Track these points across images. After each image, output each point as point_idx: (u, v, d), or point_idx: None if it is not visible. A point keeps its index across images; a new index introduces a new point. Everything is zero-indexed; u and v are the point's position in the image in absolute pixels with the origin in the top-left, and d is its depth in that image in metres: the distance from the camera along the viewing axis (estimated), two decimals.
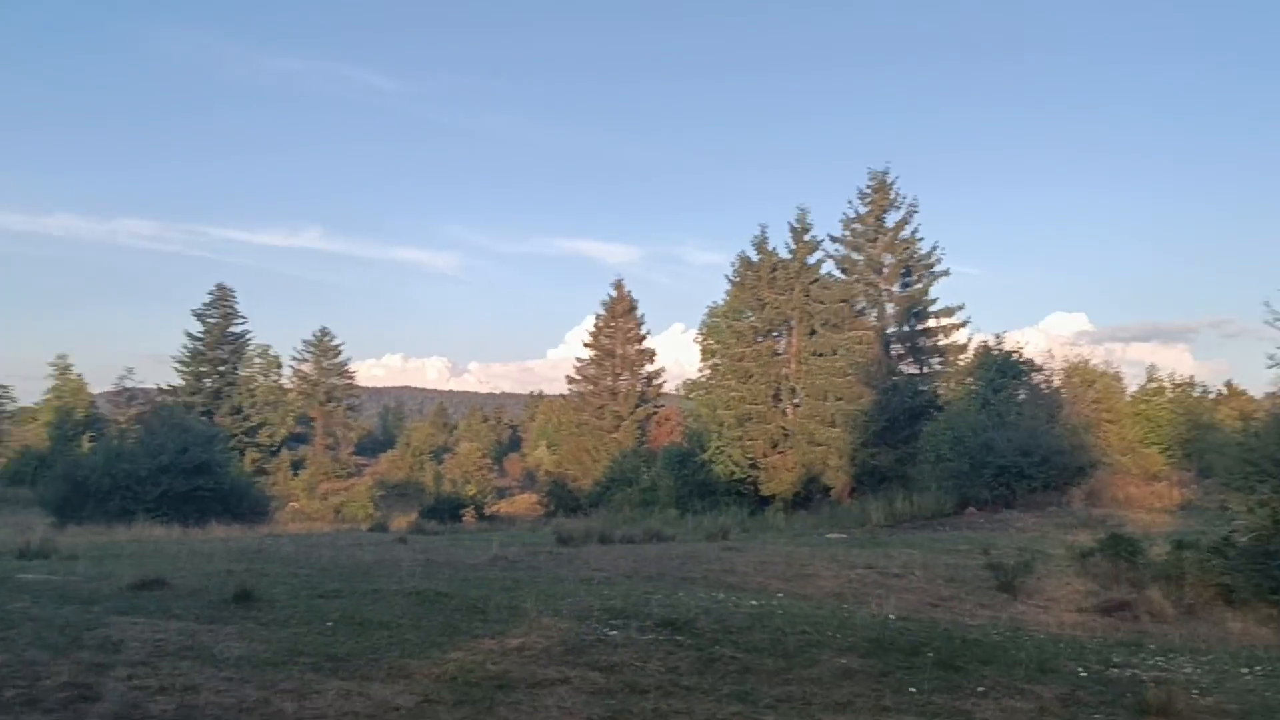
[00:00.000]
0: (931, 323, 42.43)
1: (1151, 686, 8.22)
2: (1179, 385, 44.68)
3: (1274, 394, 19.64)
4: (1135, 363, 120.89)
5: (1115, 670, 9.29)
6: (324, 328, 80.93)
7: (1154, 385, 44.56)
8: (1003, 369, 36.30)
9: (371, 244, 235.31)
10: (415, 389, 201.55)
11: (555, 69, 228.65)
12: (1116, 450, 36.23)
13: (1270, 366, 16.23)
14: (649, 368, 57.40)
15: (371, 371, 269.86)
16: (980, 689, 8.26)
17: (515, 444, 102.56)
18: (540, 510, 52.34)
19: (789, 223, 45.21)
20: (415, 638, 9.23)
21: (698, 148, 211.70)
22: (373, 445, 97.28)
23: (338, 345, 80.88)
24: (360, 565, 15.39)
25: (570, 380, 57.60)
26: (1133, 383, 45.25)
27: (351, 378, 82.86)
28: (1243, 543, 15.31)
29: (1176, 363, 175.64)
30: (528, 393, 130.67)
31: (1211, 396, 47.84)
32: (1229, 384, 52.06)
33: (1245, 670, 9.73)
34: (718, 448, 42.48)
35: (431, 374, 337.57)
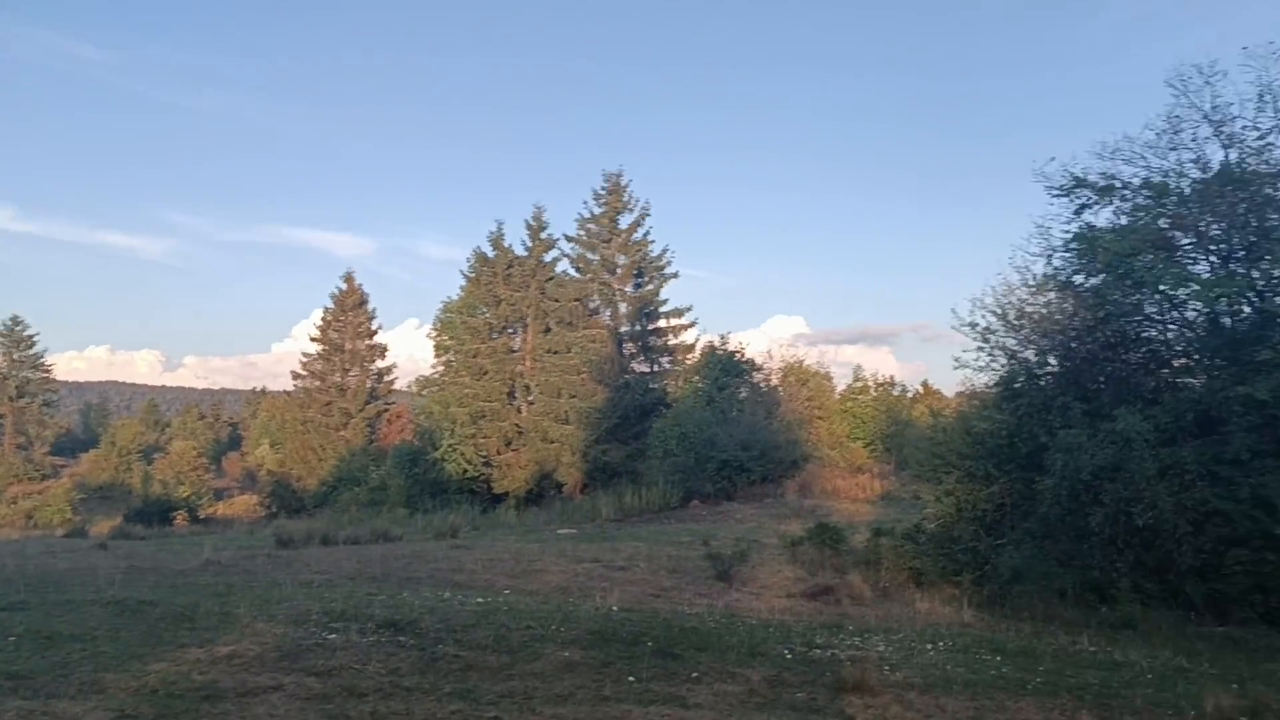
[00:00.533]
0: (662, 323, 43.78)
1: (848, 665, 8.85)
2: (881, 385, 48.22)
3: (962, 393, 21.54)
4: (846, 363, 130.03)
5: (818, 651, 9.93)
6: (15, 316, 73.76)
7: (860, 385, 47.86)
8: (726, 368, 38.01)
9: (74, 226, 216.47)
10: (123, 384, 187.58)
11: (283, 47, 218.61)
12: (826, 445, 38.71)
13: (956, 368, 17.83)
14: (380, 363, 56.06)
15: (72, 365, 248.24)
16: (695, 674, 8.62)
17: (235, 442, 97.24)
18: (261, 512, 49.89)
19: (525, 220, 45.42)
20: (112, 650, 8.58)
21: (436, 140, 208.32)
22: (72, 445, 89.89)
23: (31, 336, 73.92)
24: (51, 574, 14.14)
25: (296, 376, 55.25)
26: (842, 382, 48.47)
27: (48, 371, 76.02)
28: (931, 529, 16.78)
29: (881, 364, 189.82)
30: (250, 388, 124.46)
31: (910, 395, 51.91)
32: (925, 384, 56.64)
33: (930, 646, 10.64)
34: (450, 446, 41.99)
35: (142, 368, 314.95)
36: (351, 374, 54.68)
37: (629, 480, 34.94)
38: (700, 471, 32.31)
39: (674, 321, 43.71)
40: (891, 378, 49.70)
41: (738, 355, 38.91)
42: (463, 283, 45.27)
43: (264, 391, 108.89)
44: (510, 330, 44.69)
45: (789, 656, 9.57)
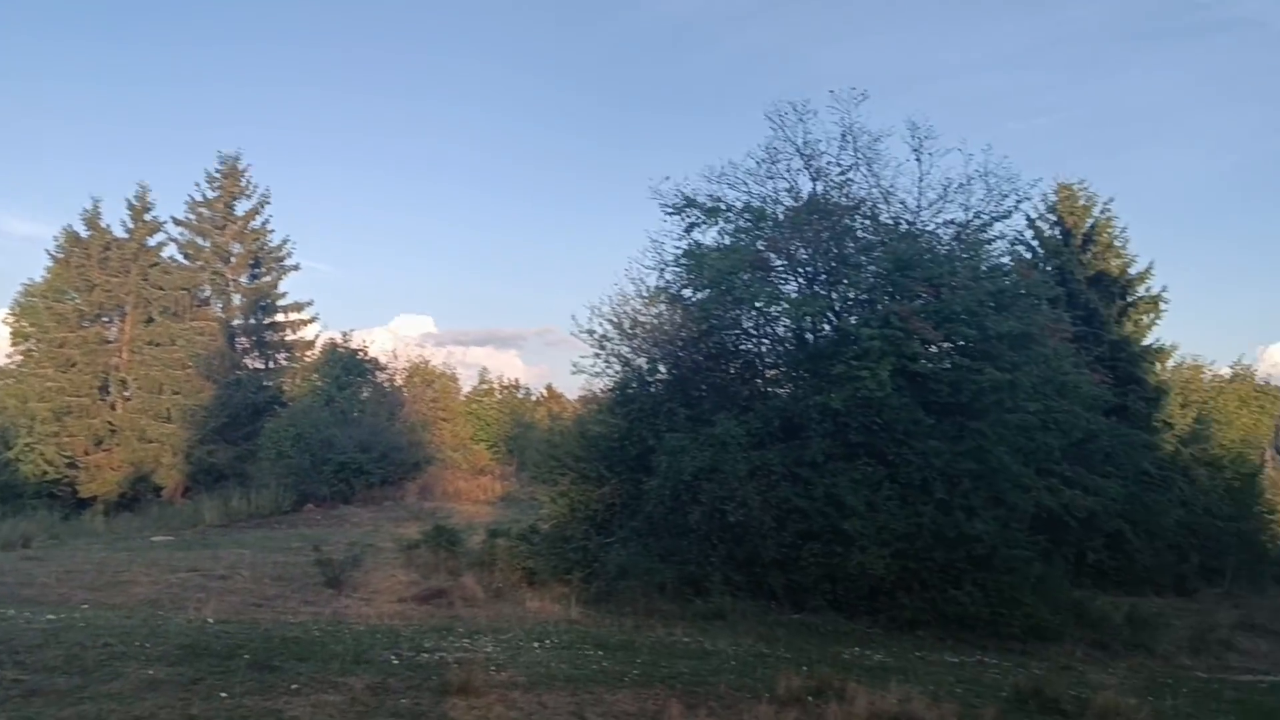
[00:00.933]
0: (280, 317, 41.61)
1: (454, 667, 8.82)
2: (506, 387, 48.96)
3: (582, 397, 22.28)
4: (474, 365, 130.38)
5: (426, 655, 9.82)
6: None
7: (485, 387, 48.28)
8: (348, 367, 36.82)
9: None
10: None
11: None
12: (450, 447, 38.54)
13: (575, 373, 18.45)
14: None
15: None
16: (294, 686, 8.21)
17: None
18: None
19: (128, 199, 41.32)
20: None
21: (26, 110, 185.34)
22: None
23: None
24: None
25: None
26: (468, 384, 48.59)
27: None
28: (545, 530, 17.19)
29: (509, 366, 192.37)
30: None
31: (534, 398, 53.01)
32: (549, 387, 58.00)
33: (537, 644, 10.87)
34: (27, 445, 37.37)
35: None
36: None
37: (237, 483, 32.84)
38: (316, 474, 31.02)
39: (293, 316, 41.71)
40: (517, 380, 50.62)
41: (360, 354, 37.81)
42: (49, 264, 40.47)
43: None
44: (105, 319, 40.48)
45: (395, 662, 9.38)
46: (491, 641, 10.86)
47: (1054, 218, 31.93)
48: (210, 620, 11.28)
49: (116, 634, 9.89)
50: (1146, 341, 31.92)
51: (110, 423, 39.02)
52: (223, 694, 7.84)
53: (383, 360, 39.23)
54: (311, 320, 41.78)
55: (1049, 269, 29.77)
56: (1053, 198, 31.92)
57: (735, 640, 12.27)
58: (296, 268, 41.80)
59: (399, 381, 40.00)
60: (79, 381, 38.61)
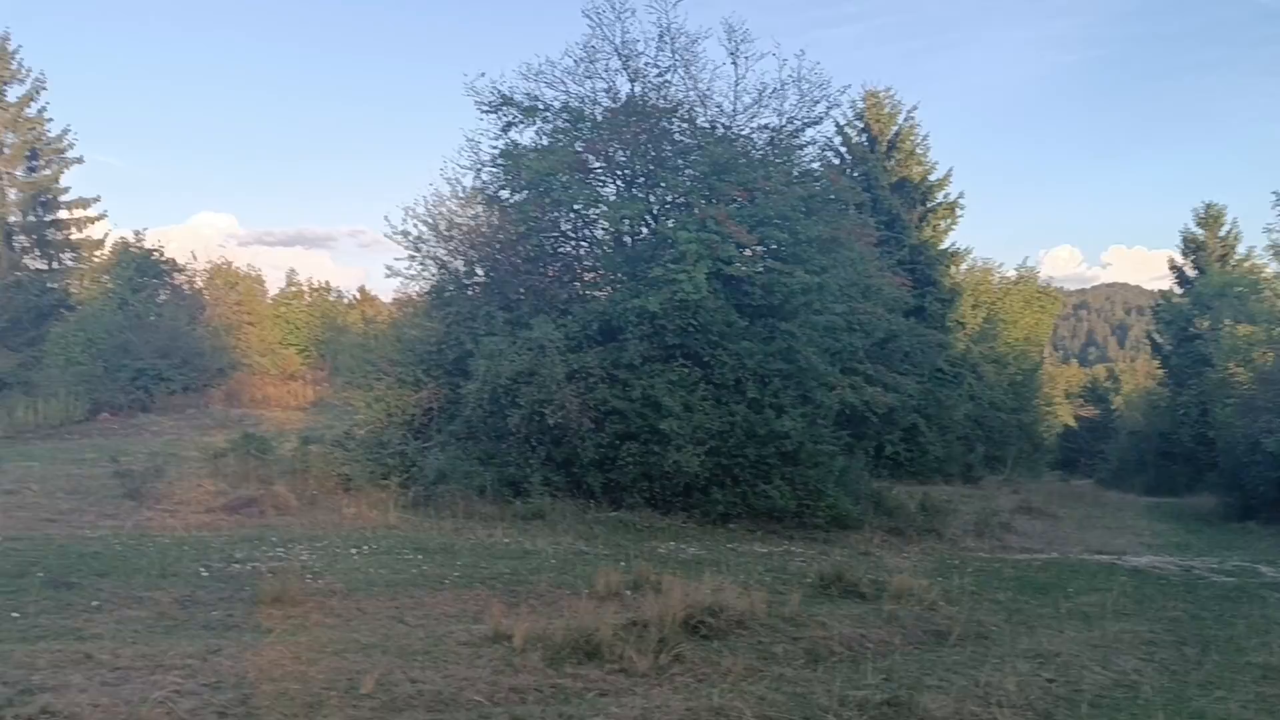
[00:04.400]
0: (63, 214, 38.56)
1: (268, 577, 8.63)
2: (316, 290, 47.23)
3: (398, 300, 21.77)
4: (281, 267, 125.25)
5: (238, 565, 9.56)
6: None
7: (294, 289, 46.46)
8: (143, 268, 34.65)
9: None
10: None
11: None
12: (257, 351, 37.09)
13: (389, 276, 17.98)
14: None
15: None
16: (95, 603, 7.87)
17: None
18: None
19: None
20: None
21: None
22: None
23: None
24: None
25: None
26: (275, 286, 46.63)
27: None
28: (360, 435, 16.87)
29: (319, 269, 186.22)
30: None
31: (346, 301, 51.41)
32: (363, 290, 56.16)
33: (355, 550, 10.74)
34: None
35: None
36: None
37: (22, 392, 30.70)
38: (111, 382, 29.35)
39: (78, 213, 38.72)
40: (328, 283, 48.84)
41: (156, 254, 35.60)
42: None
43: None
44: None
45: (205, 574, 9.10)
46: (307, 549, 10.66)
47: (861, 124, 32.97)
48: None
49: None
50: (943, 246, 33.68)
51: None
52: (15, 614, 7.42)
53: (181, 261, 37.11)
54: (100, 218, 38.91)
55: (856, 175, 30.87)
56: (861, 105, 32.89)
57: (555, 539, 12.47)
58: (80, 160, 38.65)
59: (200, 284, 37.97)
60: None
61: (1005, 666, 7.21)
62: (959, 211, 33.79)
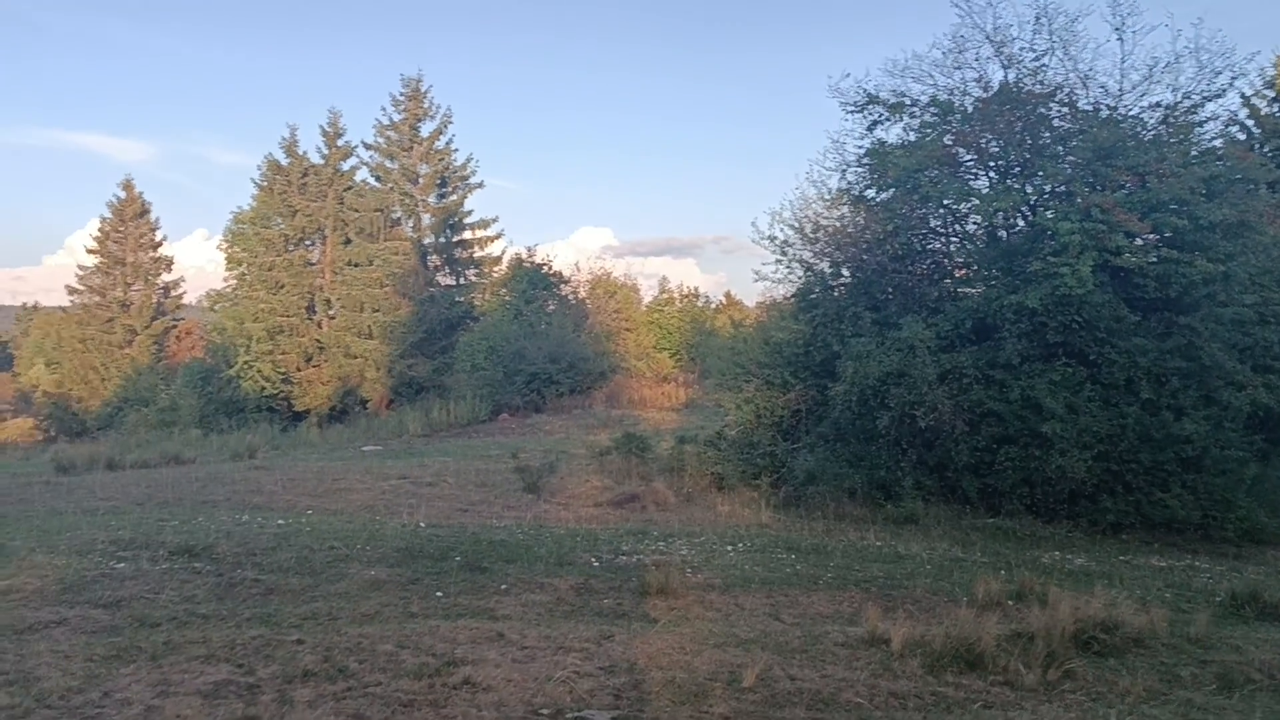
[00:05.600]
0: (467, 234, 43.04)
1: (652, 569, 9.12)
2: (686, 296, 49.13)
3: (762, 304, 22.23)
4: (652, 275, 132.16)
5: (624, 558, 10.20)
6: None
7: (665, 296, 48.62)
8: (534, 281, 37.84)
9: None
10: None
11: None
12: (633, 356, 39.28)
13: (756, 280, 18.41)
14: (166, 277, 52.67)
15: None
16: (504, 587, 8.69)
17: (6, 362, 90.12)
18: (39, 436, 46.63)
19: (320, 126, 43.30)
20: None
21: (223, 36, 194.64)
22: None
23: None
24: None
25: (72, 291, 51.31)
26: (648, 294, 49.09)
27: None
28: (732, 436, 17.38)
29: (686, 275, 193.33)
30: (20, 304, 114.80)
31: (713, 306, 53.10)
32: (728, 294, 57.95)
33: (730, 547, 11.10)
34: (246, 363, 40.29)
35: None
36: (135, 288, 51.26)
37: (436, 395, 34.55)
38: (509, 385, 32.27)
39: (480, 233, 43.04)
40: (696, 289, 50.71)
41: (545, 268, 38.76)
42: (254, 192, 42.97)
43: (36, 307, 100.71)
44: (308, 242, 42.86)
45: (596, 564, 9.78)
46: (686, 544, 11.15)
47: (1273, 94, 29.29)
48: (422, 524, 12.01)
49: (340, 538, 10.68)
50: None
51: (318, 340, 41.52)
52: (439, 593, 8.39)
53: (566, 273, 40.16)
54: (498, 237, 43.05)
55: (1267, 151, 27.43)
56: (1271, 72, 29.25)
57: (929, 545, 12.18)
58: (481, 185, 43.02)
59: (583, 294, 40.85)
60: (288, 302, 41.15)
61: None
62: None
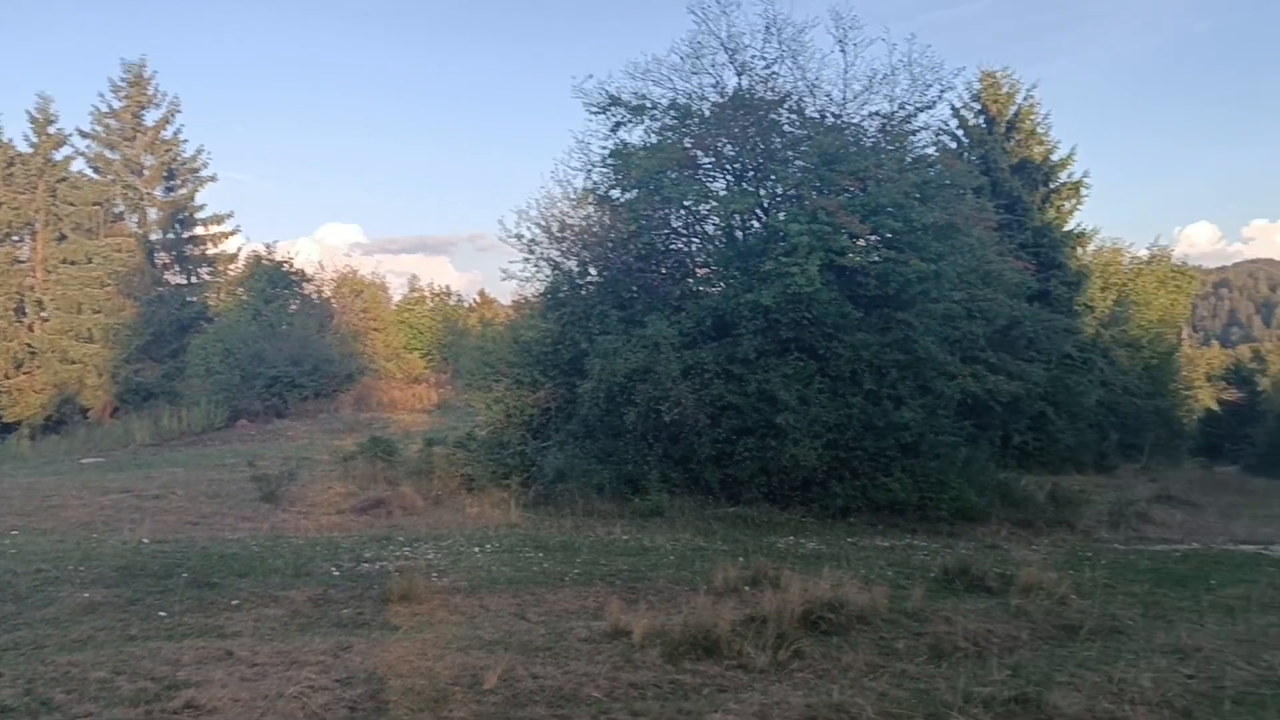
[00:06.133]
0: (199, 230, 40.51)
1: (395, 576, 8.89)
2: (438, 295, 48.37)
3: (515, 303, 22.17)
4: (403, 273, 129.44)
5: (366, 565, 9.89)
6: None
7: (416, 295, 47.68)
8: (274, 279, 36.12)
9: None
10: None
11: None
12: (382, 357, 38.25)
13: (504, 279, 18.34)
14: None
15: None
16: (235, 602, 8.23)
17: None
18: None
19: (27, 111, 39.58)
20: None
21: None
22: None
23: None
24: None
25: None
26: (398, 292, 47.97)
27: None
28: (481, 436, 17.25)
29: (439, 274, 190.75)
30: None
31: (467, 305, 52.53)
32: (482, 293, 57.30)
33: (478, 549, 10.99)
34: None
35: None
36: None
37: (167, 402, 32.36)
38: (247, 389, 30.69)
39: (214, 229, 40.63)
40: (448, 287, 50.02)
41: (286, 265, 37.05)
42: None
43: None
44: (15, 238, 39.08)
45: (336, 574, 9.44)
46: (432, 548, 10.96)
47: (978, 106, 32.08)
48: (146, 540, 11.20)
49: (49, 559, 9.79)
50: (1068, 227, 32.55)
51: (29, 345, 38.00)
52: (162, 613, 7.83)
53: (310, 271, 38.57)
54: (233, 233, 40.81)
55: (973, 158, 30.02)
56: (977, 86, 32.02)
57: (673, 536, 12.52)
58: (214, 179, 40.66)
59: (327, 293, 39.37)
60: None
61: (1141, 662, 6.93)
62: (1084, 191, 32.60)
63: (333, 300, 39.12)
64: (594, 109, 17.33)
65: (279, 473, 15.92)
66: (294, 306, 36.49)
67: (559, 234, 17.95)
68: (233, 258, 40.63)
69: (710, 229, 18.05)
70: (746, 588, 8.84)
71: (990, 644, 7.51)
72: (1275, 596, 10.11)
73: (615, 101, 17.23)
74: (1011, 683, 6.27)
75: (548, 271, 18.08)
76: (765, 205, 17.01)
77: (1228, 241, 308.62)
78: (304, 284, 37.75)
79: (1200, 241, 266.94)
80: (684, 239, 18.38)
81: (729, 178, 17.34)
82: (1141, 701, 6.04)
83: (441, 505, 14.47)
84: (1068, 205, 32.46)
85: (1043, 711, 5.74)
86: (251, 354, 31.29)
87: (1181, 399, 43.80)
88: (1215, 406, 55.47)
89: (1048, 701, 5.83)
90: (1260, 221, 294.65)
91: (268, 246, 37.42)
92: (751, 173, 17.01)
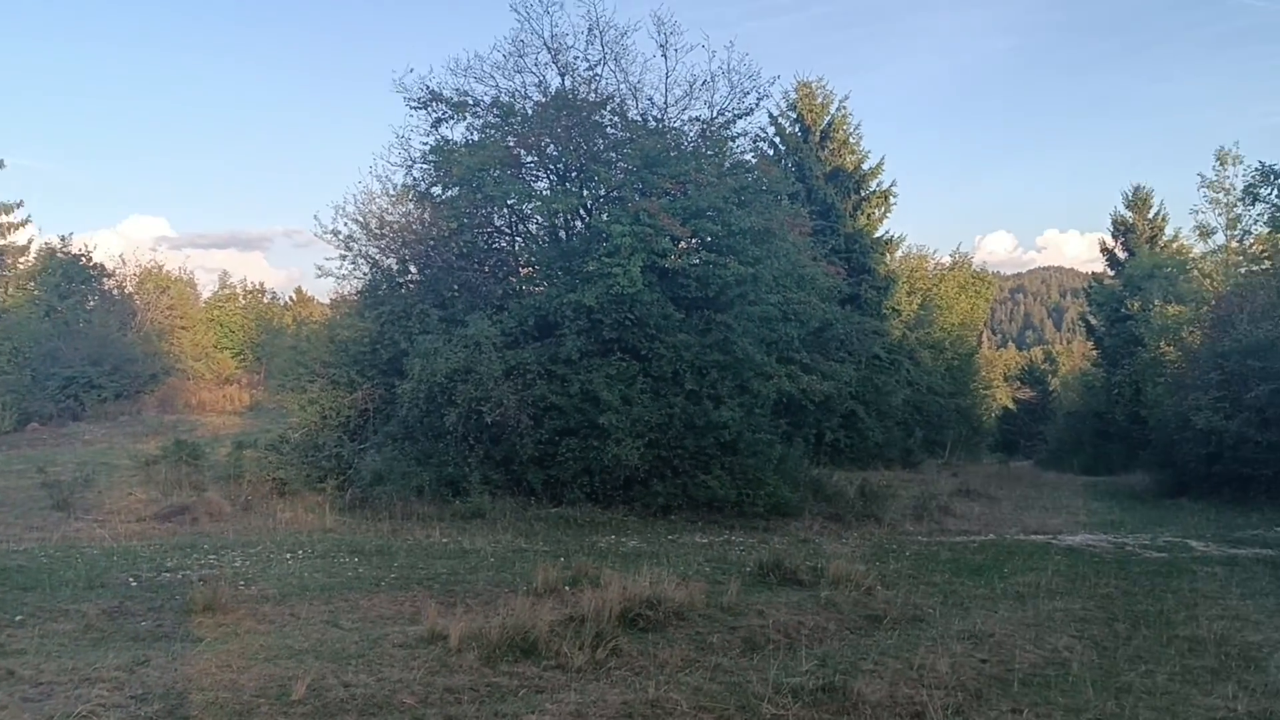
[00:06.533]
0: None
1: (200, 585, 8.48)
2: (251, 292, 46.53)
3: (334, 301, 21.53)
4: (214, 269, 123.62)
5: (168, 574, 9.39)
6: None
7: (227, 292, 45.74)
8: (70, 274, 33.91)
9: None
10: None
11: None
12: (191, 357, 36.45)
13: (320, 276, 17.78)
14: None
15: None
16: (18, 618, 7.67)
17: None
18: None
19: None
20: None
21: None
22: None
23: None
24: None
25: None
26: (208, 289, 45.90)
27: None
28: (295, 439, 16.65)
29: (254, 270, 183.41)
30: None
31: (282, 303, 50.71)
32: (299, 290, 55.39)
33: (289, 555, 10.60)
34: None
35: None
36: None
37: None
38: (39, 391, 28.68)
39: (2, 219, 37.85)
40: (262, 284, 48.20)
41: (84, 259, 34.82)
42: None
43: None
44: None
45: (134, 584, 8.91)
46: (240, 556, 10.50)
47: (794, 115, 33.13)
48: None
49: None
50: (878, 234, 34.03)
51: None
52: None
53: (110, 266, 36.34)
54: (24, 223, 38.11)
55: (789, 165, 31.01)
56: (793, 95, 33.08)
57: (494, 538, 12.41)
58: (2, 165, 37.81)
59: (130, 288, 37.19)
60: None
61: (939, 648, 7.31)
62: (892, 199, 34.16)
63: (136, 297, 36.97)
64: (414, 104, 17.04)
65: (72, 479, 14.94)
66: (92, 303, 34.35)
67: (378, 230, 17.53)
68: (23, 250, 37.97)
69: (534, 228, 18.02)
70: (567, 588, 8.85)
71: (800, 635, 7.77)
72: (1061, 583, 10.85)
73: (436, 97, 16.98)
74: (819, 672, 6.50)
75: (366, 269, 17.66)
76: (588, 206, 17.09)
77: (1023, 250, 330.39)
78: (104, 279, 35.57)
79: (998, 249, 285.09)
80: (507, 238, 18.28)
81: (552, 177, 17.34)
82: (939, 686, 6.36)
83: (252, 511, 13.89)
84: (877, 213, 33.94)
85: (848, 699, 5.97)
86: (44, 353, 29.30)
87: (981, 398, 46.50)
88: (1011, 405, 59.22)
89: (853, 689, 6.07)
90: (1052, 231, 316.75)
91: (63, 239, 35.13)
92: (575, 173, 17.05)
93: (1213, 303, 28.47)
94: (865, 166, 33.71)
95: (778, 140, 32.69)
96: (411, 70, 17.14)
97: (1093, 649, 7.81)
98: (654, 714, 5.61)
